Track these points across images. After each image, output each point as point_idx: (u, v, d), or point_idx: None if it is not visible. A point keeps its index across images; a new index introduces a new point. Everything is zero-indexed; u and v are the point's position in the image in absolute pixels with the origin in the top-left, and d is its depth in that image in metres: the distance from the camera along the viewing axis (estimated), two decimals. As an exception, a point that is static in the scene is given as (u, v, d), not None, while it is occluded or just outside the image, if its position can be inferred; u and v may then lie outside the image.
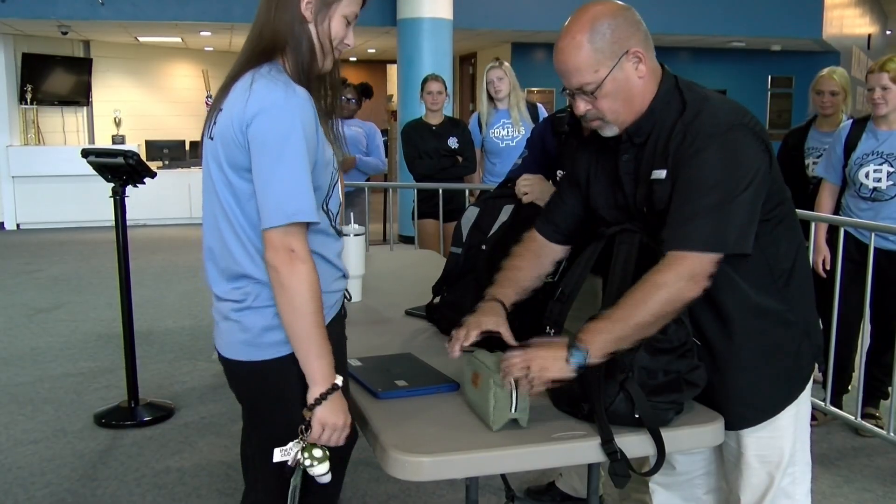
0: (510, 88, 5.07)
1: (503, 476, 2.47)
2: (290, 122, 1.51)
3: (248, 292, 1.61)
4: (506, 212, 2.26)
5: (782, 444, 1.83)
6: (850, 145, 3.64)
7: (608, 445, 1.57)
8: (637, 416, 1.59)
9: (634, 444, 1.60)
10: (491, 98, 5.15)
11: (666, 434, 1.60)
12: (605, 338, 1.56)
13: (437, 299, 2.41)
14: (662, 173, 1.67)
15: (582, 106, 1.72)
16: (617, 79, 1.68)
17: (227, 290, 1.64)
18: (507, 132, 5.10)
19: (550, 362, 1.58)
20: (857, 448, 3.61)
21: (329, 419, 1.57)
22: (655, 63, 1.74)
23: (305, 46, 1.61)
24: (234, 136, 1.55)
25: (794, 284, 1.79)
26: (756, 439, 1.82)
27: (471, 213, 2.37)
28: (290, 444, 1.58)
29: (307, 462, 1.56)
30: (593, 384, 1.61)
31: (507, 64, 5.13)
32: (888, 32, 21.34)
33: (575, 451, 1.60)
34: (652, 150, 1.71)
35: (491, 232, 2.26)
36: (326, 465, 1.58)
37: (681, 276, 1.57)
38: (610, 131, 1.75)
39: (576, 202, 1.93)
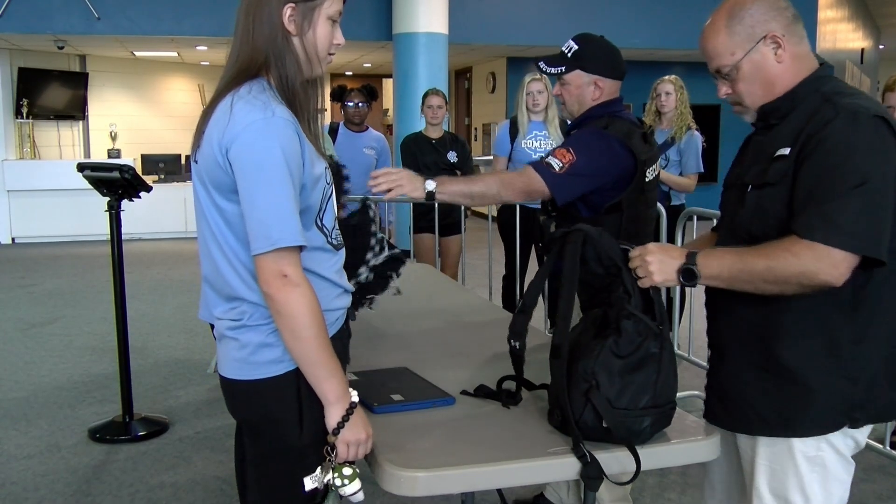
0: (548, 102, 5.01)
1: (499, 490, 2.46)
2: (269, 145, 1.48)
3: (243, 311, 1.60)
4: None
5: (794, 480, 1.68)
6: None
7: (577, 449, 1.57)
8: (606, 426, 1.58)
9: (623, 460, 1.59)
10: (527, 108, 5.05)
11: (660, 448, 1.59)
12: (718, 270, 1.62)
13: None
14: (786, 150, 1.63)
15: (723, 89, 1.77)
16: (754, 62, 1.70)
17: (224, 310, 1.63)
18: (541, 144, 5.02)
19: (661, 265, 1.64)
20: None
21: (352, 438, 1.56)
22: (802, 48, 1.72)
23: (290, 60, 1.57)
24: (216, 160, 1.53)
25: (865, 314, 1.64)
26: (768, 468, 1.72)
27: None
28: (318, 469, 1.56)
29: (338, 482, 1.55)
30: (560, 391, 1.62)
31: (546, 77, 5.00)
32: (881, 47, 21.48)
33: (570, 465, 1.59)
34: (784, 131, 1.68)
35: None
36: (358, 483, 1.56)
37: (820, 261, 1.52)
38: (750, 118, 1.78)
39: None
